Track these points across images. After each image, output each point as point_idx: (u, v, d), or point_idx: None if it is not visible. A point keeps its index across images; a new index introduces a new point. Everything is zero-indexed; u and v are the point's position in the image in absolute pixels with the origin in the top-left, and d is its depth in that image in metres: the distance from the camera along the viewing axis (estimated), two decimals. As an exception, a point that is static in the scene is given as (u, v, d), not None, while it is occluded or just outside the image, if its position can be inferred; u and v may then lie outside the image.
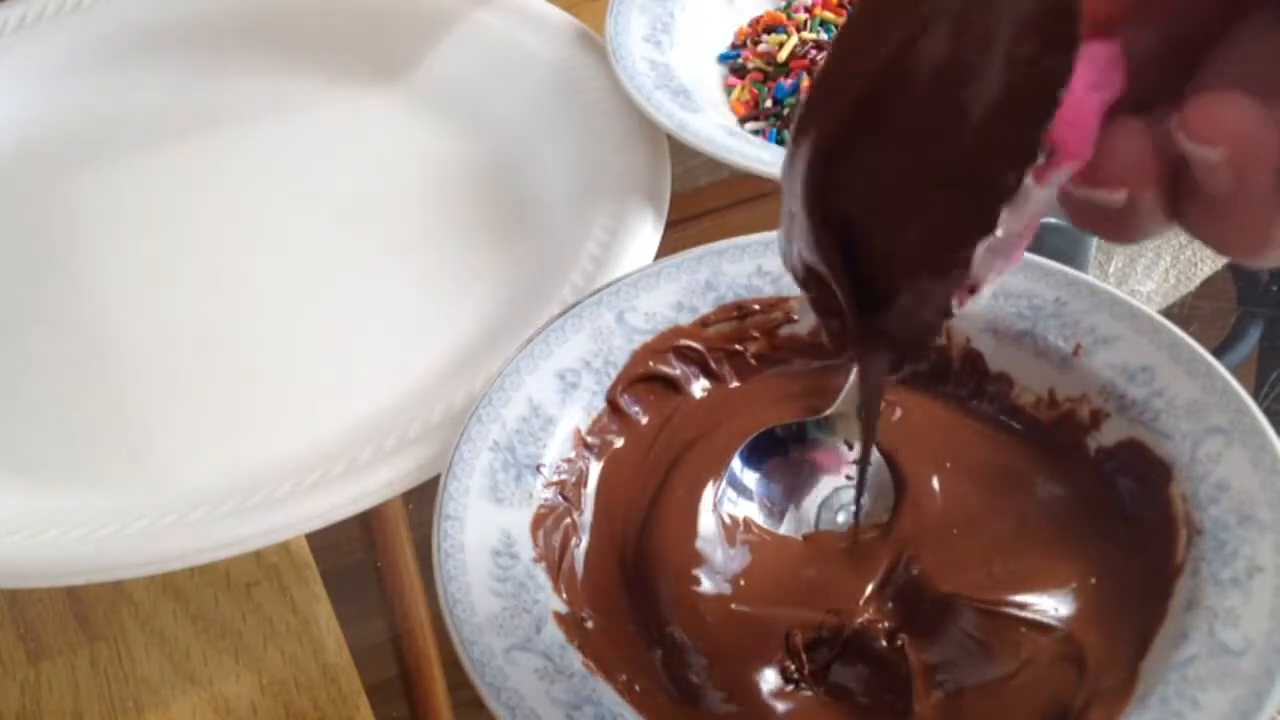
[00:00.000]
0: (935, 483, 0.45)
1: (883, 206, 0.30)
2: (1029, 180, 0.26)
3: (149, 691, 0.47)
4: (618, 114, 0.61)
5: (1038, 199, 0.27)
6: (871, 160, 0.30)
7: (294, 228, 0.62)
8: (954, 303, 0.29)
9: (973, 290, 0.29)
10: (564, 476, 0.46)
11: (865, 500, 0.44)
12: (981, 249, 0.28)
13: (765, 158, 0.55)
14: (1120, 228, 0.29)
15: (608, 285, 0.50)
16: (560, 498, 0.45)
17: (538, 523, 0.44)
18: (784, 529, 0.45)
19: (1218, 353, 0.45)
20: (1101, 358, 0.46)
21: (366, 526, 0.53)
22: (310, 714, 0.46)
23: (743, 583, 0.43)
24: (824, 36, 0.64)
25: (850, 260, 0.32)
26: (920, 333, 0.31)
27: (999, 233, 0.27)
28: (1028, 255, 0.48)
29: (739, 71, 0.65)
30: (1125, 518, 0.44)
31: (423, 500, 0.47)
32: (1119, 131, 0.27)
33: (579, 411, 0.47)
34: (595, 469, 0.47)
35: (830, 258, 0.32)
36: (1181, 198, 0.27)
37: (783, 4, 0.68)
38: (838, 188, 0.31)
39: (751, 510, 0.45)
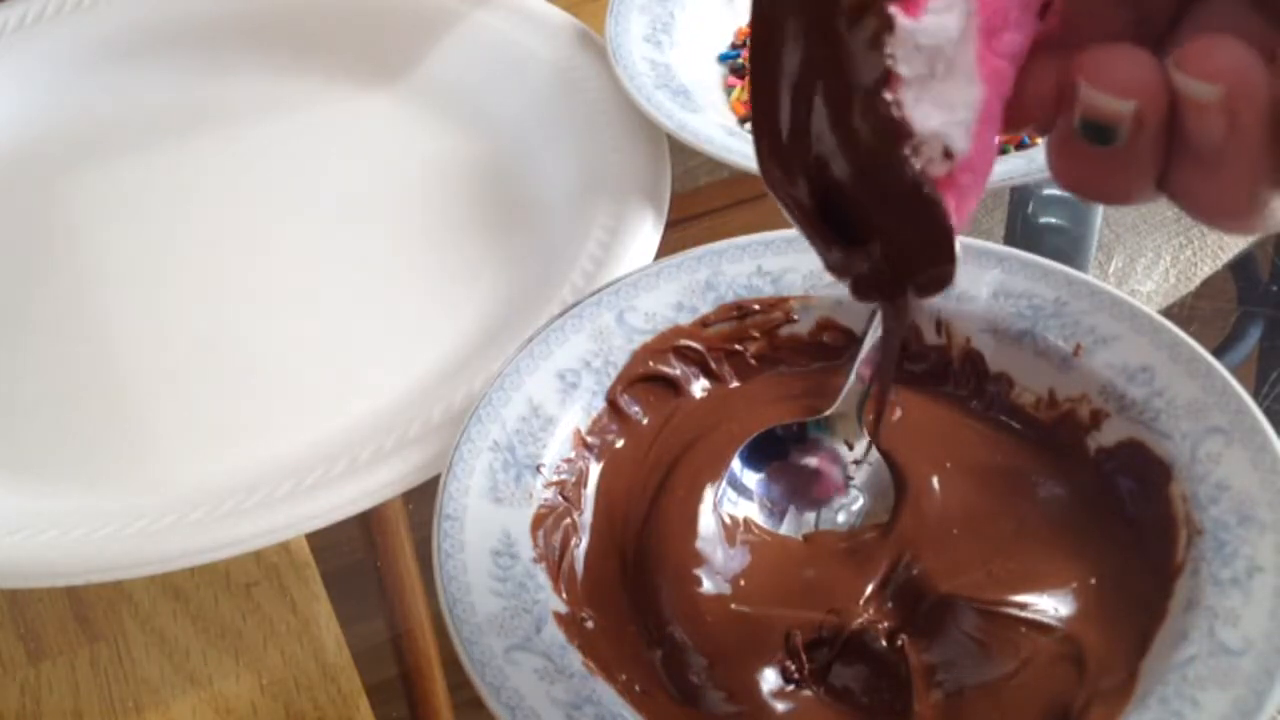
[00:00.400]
0: (935, 483, 0.45)
1: (817, 122, 0.29)
2: (895, 13, 0.27)
3: (149, 691, 0.47)
4: (618, 114, 0.61)
5: (925, 31, 0.27)
6: (784, 92, 0.30)
7: (294, 227, 0.62)
8: (928, 170, 0.28)
9: (948, 156, 0.28)
10: (564, 476, 0.46)
11: (867, 500, 0.44)
12: (912, 103, 0.27)
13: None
14: (1108, 181, 0.28)
15: (608, 285, 0.50)
16: (560, 498, 0.45)
17: (538, 523, 0.44)
18: (784, 529, 0.45)
19: (1218, 353, 0.45)
20: (1101, 358, 0.46)
21: (366, 526, 0.53)
22: (310, 714, 0.46)
23: (743, 583, 0.43)
24: (824, 36, 0.64)
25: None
26: (922, 229, 0.29)
27: (904, 70, 0.27)
28: (1027, 255, 0.49)
29: (739, 71, 0.65)
30: (1125, 518, 0.44)
31: (423, 500, 0.47)
32: (1125, 49, 0.27)
33: (579, 411, 0.47)
34: (595, 469, 0.47)
35: (810, 218, 0.31)
36: (1171, 155, 0.27)
37: (783, 4, 0.68)
38: (779, 135, 0.30)
39: (751, 510, 0.45)
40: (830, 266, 0.32)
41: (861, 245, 0.31)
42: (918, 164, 0.28)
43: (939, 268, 0.30)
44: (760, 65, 0.30)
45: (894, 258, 0.31)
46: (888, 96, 0.27)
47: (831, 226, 0.31)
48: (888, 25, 0.27)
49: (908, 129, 0.28)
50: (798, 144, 0.30)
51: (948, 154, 0.28)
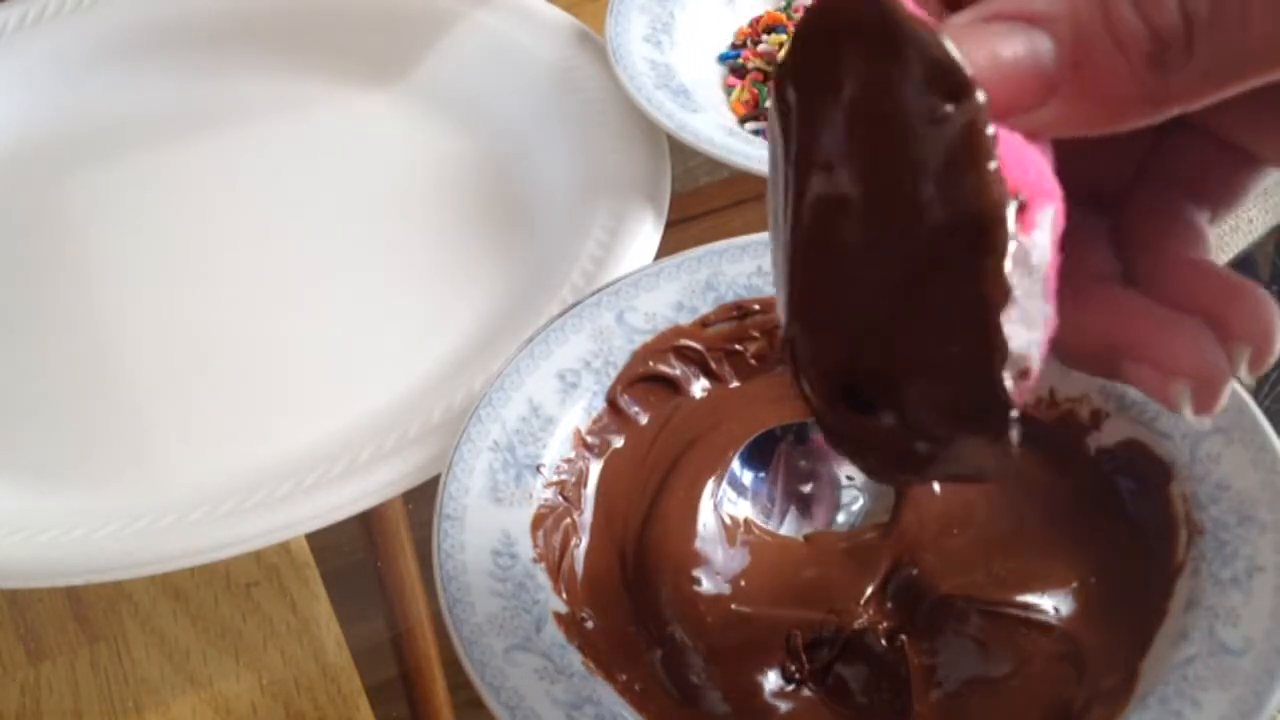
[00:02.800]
0: (935, 482, 0.45)
1: (886, 335, 0.27)
2: (1013, 229, 0.25)
3: (149, 691, 0.47)
4: (618, 114, 0.61)
5: (1035, 249, 0.25)
6: (855, 302, 0.28)
7: (294, 227, 0.62)
8: (1013, 395, 0.26)
9: (1024, 375, 0.26)
10: (564, 476, 0.46)
11: (867, 500, 0.44)
12: (1009, 323, 0.25)
13: (765, 157, 0.55)
14: None
15: (608, 285, 0.50)
16: (560, 498, 0.45)
17: (538, 523, 0.44)
18: (784, 529, 0.45)
19: (1218, 353, 0.45)
20: (1101, 358, 0.46)
21: (366, 526, 0.53)
22: (310, 714, 0.46)
23: (743, 583, 0.43)
24: (824, 36, 0.64)
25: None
26: (992, 440, 0.27)
27: (1017, 294, 0.25)
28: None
29: (739, 71, 0.65)
30: (1125, 518, 0.44)
31: (423, 500, 0.47)
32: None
33: (579, 411, 0.47)
34: (595, 469, 0.47)
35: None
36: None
37: (783, 4, 0.68)
38: (834, 353, 0.29)
39: (751, 510, 0.45)
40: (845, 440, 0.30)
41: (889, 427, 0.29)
42: (1009, 384, 0.26)
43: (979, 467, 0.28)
44: (822, 249, 0.28)
45: (941, 456, 0.28)
46: (995, 318, 0.25)
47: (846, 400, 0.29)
48: (1004, 237, 0.25)
49: (1005, 350, 0.25)
50: (856, 354, 0.28)
51: (1024, 374, 0.26)
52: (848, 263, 0.27)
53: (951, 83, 0.24)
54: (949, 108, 0.24)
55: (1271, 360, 0.28)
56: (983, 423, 0.26)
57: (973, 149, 0.24)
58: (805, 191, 0.28)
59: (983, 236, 0.25)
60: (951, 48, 0.24)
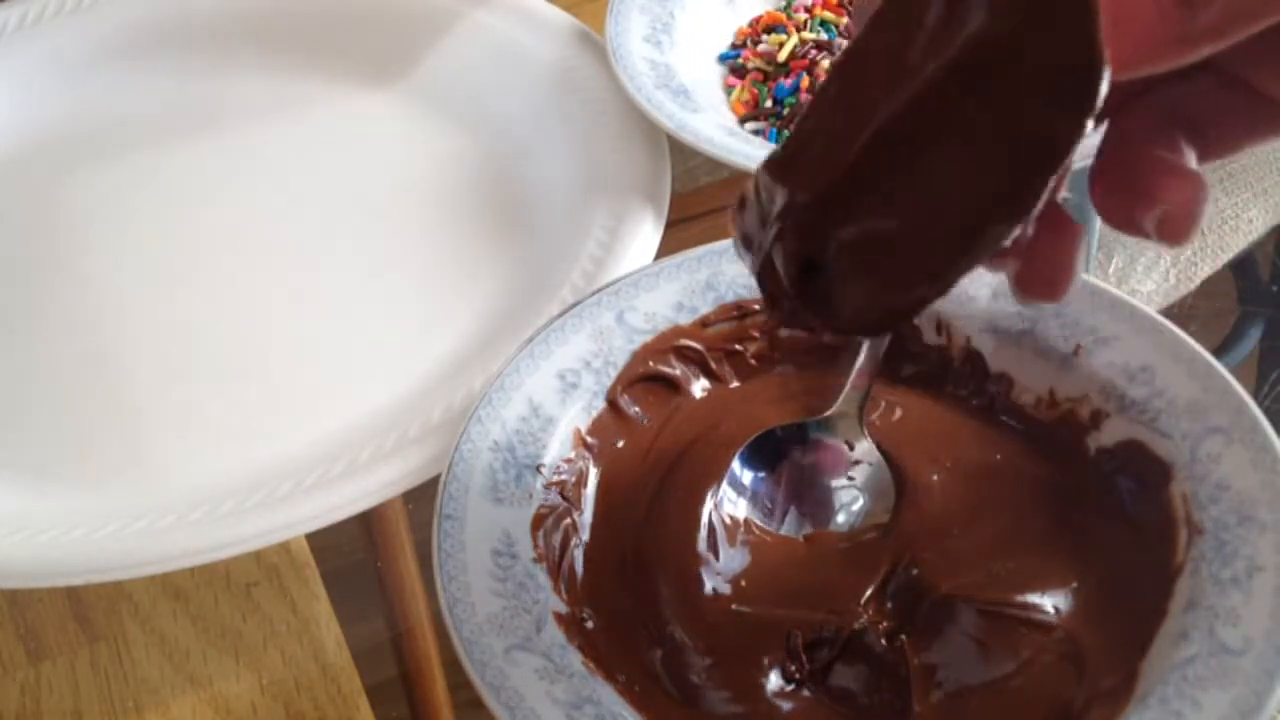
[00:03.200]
0: (935, 483, 0.45)
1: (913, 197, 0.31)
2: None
3: (149, 691, 0.47)
4: (618, 114, 0.61)
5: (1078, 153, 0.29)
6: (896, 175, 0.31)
7: (294, 228, 0.62)
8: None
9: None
10: (564, 476, 0.46)
11: (867, 500, 0.45)
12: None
13: (764, 158, 0.55)
14: None
15: (608, 285, 0.50)
16: (560, 498, 0.45)
17: (538, 523, 0.44)
18: (784, 529, 0.45)
19: (1218, 353, 0.45)
20: (1101, 358, 0.46)
21: (366, 526, 0.53)
22: (310, 714, 0.46)
23: (743, 583, 0.43)
24: (824, 36, 0.64)
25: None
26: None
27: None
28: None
29: (739, 71, 0.65)
30: (1125, 518, 0.44)
31: (423, 500, 0.47)
32: None
33: (579, 411, 0.47)
34: (595, 469, 0.47)
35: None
36: None
37: (783, 4, 0.68)
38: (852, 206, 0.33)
39: (751, 511, 0.45)
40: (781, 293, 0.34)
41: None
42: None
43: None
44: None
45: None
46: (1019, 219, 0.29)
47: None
48: (1100, 96, 0.28)
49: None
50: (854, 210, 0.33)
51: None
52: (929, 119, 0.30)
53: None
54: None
55: (1185, 236, 0.30)
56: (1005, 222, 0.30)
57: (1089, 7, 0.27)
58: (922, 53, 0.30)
59: (1084, 87, 0.27)
60: None
